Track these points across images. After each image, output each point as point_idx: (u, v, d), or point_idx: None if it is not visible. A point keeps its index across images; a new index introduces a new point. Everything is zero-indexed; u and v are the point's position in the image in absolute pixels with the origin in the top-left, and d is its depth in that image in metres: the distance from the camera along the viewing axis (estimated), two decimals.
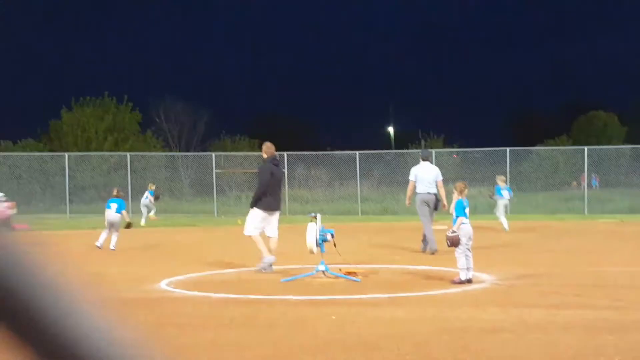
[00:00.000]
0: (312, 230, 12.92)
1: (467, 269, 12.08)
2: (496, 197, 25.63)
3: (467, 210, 12.50)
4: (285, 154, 38.66)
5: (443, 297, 11.08)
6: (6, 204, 11.88)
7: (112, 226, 19.10)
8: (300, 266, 14.02)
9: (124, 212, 19.48)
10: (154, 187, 32.88)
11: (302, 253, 13.52)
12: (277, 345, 7.92)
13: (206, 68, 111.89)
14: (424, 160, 18.14)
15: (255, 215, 14.46)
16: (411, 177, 17.89)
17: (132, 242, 20.97)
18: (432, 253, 16.64)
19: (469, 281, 12.06)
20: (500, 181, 26.09)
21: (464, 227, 12.32)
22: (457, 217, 12.46)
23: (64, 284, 0.65)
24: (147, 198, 32.13)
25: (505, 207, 25.44)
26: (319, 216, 13.19)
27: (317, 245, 12.85)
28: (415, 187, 17.77)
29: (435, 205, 17.53)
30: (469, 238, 12.31)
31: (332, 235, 13.00)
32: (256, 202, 14.49)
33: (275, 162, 14.89)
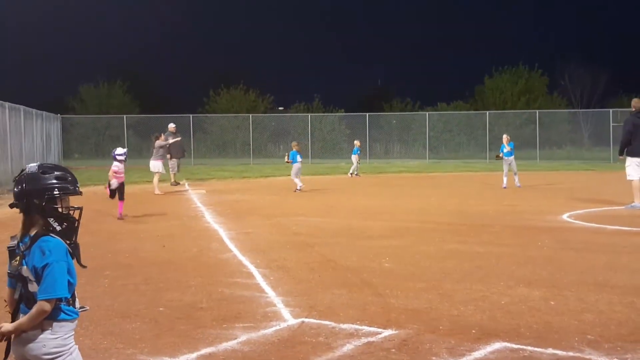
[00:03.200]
0: None
1: None
2: None
3: None
4: None
5: None
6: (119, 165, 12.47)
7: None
8: None
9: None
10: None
11: None
12: None
13: (610, 31, 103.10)
14: None
15: (629, 161, 13.43)
16: None
17: (535, 181, 20.59)
18: None
19: None
20: None
21: None
22: None
23: None
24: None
25: None
26: None
27: None
28: None
29: None
30: None
31: None
32: (622, 150, 13.71)
33: (639, 115, 13.51)
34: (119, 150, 12.97)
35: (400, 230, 10.93)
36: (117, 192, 12.69)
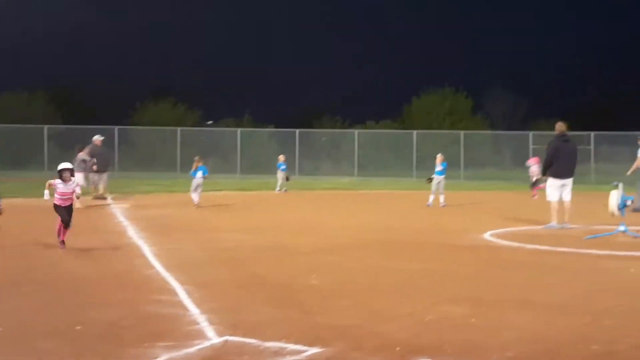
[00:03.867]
0: (614, 197, 12.03)
1: None
2: None
3: None
4: (592, 133, 36.37)
5: None
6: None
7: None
8: (603, 226, 13.11)
9: None
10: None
11: (604, 215, 12.65)
12: (582, 289, 7.53)
13: (526, 62, 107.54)
14: None
15: (550, 182, 14.00)
16: None
17: (459, 200, 21.10)
18: None
19: None
20: None
21: None
22: None
23: None
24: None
25: None
26: (620, 185, 12.24)
27: (618, 209, 11.94)
28: None
29: None
30: None
31: (632, 202, 12.00)
32: (544, 171, 14.20)
33: (564, 138, 14.11)
34: (62, 165, 10.53)
35: (328, 246, 10.96)
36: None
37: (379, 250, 10.61)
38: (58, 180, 10.40)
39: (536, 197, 22.19)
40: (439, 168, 19.53)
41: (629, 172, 17.94)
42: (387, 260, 9.56)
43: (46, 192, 10.63)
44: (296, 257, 9.75)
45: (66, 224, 10.33)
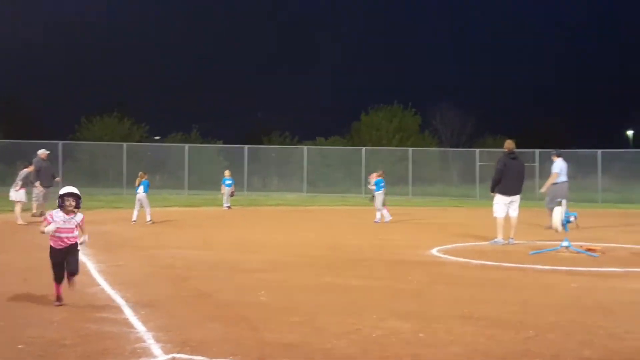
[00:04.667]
0: (558, 213, 12.35)
1: None
2: None
3: None
4: (537, 151, 37.34)
5: None
6: None
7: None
8: (547, 242, 13.44)
9: None
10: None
11: (549, 231, 12.96)
12: (526, 303, 7.68)
13: (477, 81, 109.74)
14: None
15: (497, 199, 14.25)
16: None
17: (407, 216, 21.33)
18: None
19: None
20: None
21: None
22: None
23: None
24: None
25: None
26: (564, 202, 12.59)
27: (562, 225, 12.27)
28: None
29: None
30: None
31: (575, 217, 12.34)
32: (493, 188, 14.40)
33: (512, 156, 14.43)
34: (65, 189, 7.64)
35: (276, 263, 10.94)
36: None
37: (326, 266, 10.64)
38: (56, 211, 7.47)
39: None
40: (371, 186, 19.80)
41: (542, 189, 17.91)
42: (334, 277, 9.59)
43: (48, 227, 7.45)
44: (243, 274, 9.69)
45: (71, 273, 7.39)
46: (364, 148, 43.32)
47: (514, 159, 14.41)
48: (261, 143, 50.61)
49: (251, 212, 24.76)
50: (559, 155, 18.00)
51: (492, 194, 14.60)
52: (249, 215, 23.23)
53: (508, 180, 14.21)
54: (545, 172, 39.91)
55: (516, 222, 14.17)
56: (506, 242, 13.83)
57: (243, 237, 15.31)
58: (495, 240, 13.95)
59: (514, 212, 14.18)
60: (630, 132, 72.76)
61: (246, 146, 41.50)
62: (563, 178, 17.59)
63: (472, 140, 61.40)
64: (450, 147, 56.43)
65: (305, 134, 60.67)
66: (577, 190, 38.61)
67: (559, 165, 17.60)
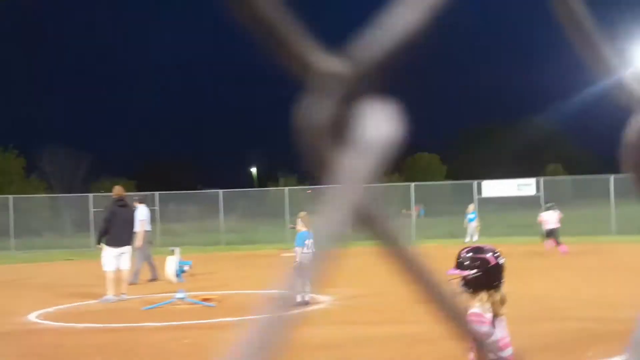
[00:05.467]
0: (172, 262, 12.49)
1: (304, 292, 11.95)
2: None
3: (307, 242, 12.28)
4: (156, 193, 37.94)
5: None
6: None
7: None
8: (162, 294, 13.48)
9: None
10: None
11: (164, 283, 13.03)
12: None
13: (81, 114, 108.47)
14: None
15: (106, 251, 14.00)
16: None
17: (8, 276, 19.74)
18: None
19: (306, 303, 11.91)
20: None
21: (307, 257, 12.17)
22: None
23: None
24: None
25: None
26: (177, 250, 12.79)
27: (176, 276, 12.42)
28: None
29: None
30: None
31: (190, 267, 12.61)
32: (99, 239, 14.15)
33: (120, 203, 14.37)
34: None
35: None
36: None
37: None
38: None
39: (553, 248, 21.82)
40: None
41: (137, 243, 16.26)
42: None
43: None
44: None
45: None
46: None
47: (122, 206, 14.25)
48: None
49: None
50: (141, 202, 17.82)
51: (99, 246, 14.18)
52: None
53: (116, 230, 13.97)
54: (169, 216, 40.91)
55: (128, 275, 13.96)
56: (118, 298, 13.52)
57: None
58: (106, 297, 13.54)
59: (124, 264, 13.93)
60: (254, 170, 78.99)
61: None
62: (148, 227, 17.37)
63: (87, 183, 60.21)
64: (62, 192, 54.41)
65: None
66: (201, 233, 40.28)
67: (144, 212, 17.18)
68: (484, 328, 3.59)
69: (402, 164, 76.76)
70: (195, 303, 12.46)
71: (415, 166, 75.66)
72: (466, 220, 31.90)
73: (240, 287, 15.26)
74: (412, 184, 39.71)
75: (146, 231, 16.85)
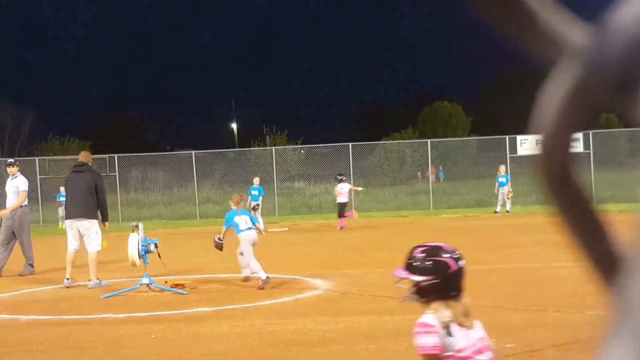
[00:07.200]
0: (134, 241, 12.57)
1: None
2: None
3: (239, 219, 13.16)
4: (115, 156, 37.80)
5: (271, 308, 10.99)
6: None
7: None
8: (124, 280, 13.65)
9: None
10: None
11: (126, 265, 13.15)
12: None
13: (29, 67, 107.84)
14: None
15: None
16: None
17: None
18: None
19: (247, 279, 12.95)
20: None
21: (245, 234, 13.04)
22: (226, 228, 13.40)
23: None
24: None
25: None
26: (140, 225, 12.88)
27: (139, 257, 12.52)
28: None
29: None
30: (253, 243, 13.06)
31: (156, 245, 12.71)
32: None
33: (77, 169, 14.47)
34: None
35: None
36: None
37: None
38: None
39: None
40: None
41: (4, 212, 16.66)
42: None
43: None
44: None
45: None
46: None
47: (78, 172, 14.32)
48: None
49: None
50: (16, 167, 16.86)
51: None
52: None
53: (68, 199, 14.19)
54: (130, 184, 40.90)
55: (94, 256, 13.81)
56: (69, 283, 13.67)
57: None
58: (94, 282, 13.59)
59: (88, 245, 13.88)
60: (234, 126, 79.03)
61: None
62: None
63: (32, 144, 60.30)
64: (2, 155, 54.49)
65: None
66: (170, 204, 40.31)
67: (25, 182, 16.66)
68: (432, 339, 3.60)
69: (416, 116, 76.75)
70: (163, 290, 12.62)
71: (433, 118, 75.51)
72: (496, 184, 31.86)
73: (217, 270, 15.37)
74: (429, 141, 39.75)
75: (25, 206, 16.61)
